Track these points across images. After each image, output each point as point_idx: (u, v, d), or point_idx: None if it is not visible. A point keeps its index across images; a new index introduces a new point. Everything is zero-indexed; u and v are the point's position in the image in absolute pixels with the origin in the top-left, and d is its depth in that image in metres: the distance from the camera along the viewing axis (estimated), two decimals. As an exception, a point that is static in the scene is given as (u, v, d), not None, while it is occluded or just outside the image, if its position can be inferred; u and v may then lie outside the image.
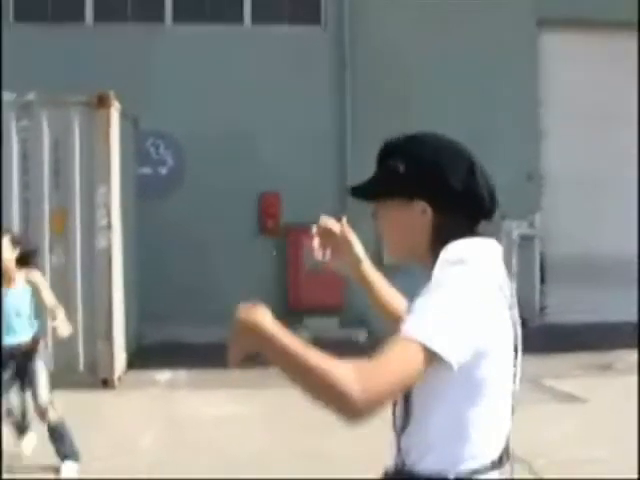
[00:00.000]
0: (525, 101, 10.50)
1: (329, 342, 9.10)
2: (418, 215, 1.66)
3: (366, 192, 1.79)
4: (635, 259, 10.52)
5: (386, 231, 1.74)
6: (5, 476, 4.78)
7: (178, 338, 9.20)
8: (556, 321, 10.24)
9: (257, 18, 10.39)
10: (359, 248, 1.98)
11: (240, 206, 10.06)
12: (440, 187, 1.65)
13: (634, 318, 9.86)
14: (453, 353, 1.40)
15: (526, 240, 10.37)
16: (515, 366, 1.59)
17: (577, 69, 10.74)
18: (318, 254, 1.95)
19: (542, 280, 10.68)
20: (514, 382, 1.60)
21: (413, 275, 1.85)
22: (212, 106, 9.95)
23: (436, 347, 1.39)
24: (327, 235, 1.97)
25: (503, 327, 1.55)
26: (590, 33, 10.77)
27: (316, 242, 1.95)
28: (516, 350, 1.59)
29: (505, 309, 1.56)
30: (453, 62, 10.25)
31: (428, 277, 1.62)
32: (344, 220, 2.02)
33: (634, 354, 8.16)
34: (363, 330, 9.48)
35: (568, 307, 10.46)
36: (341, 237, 1.97)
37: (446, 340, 1.41)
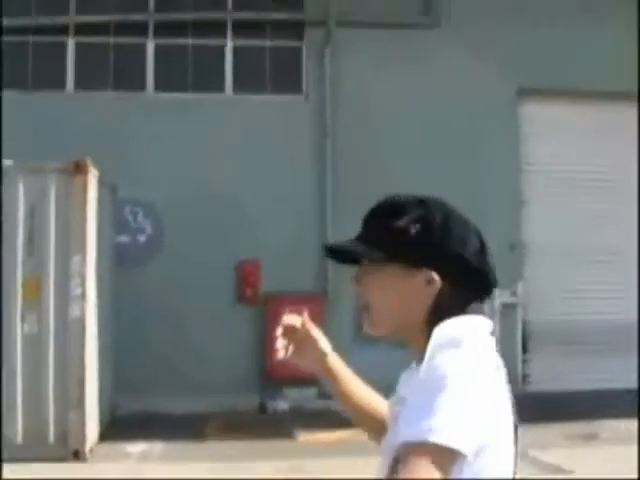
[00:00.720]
0: (507, 170, 10.61)
1: (308, 413, 9.03)
2: (421, 285, 1.52)
3: (356, 253, 1.62)
4: (635, 326, 10.58)
5: (376, 300, 1.57)
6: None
7: (154, 409, 9.04)
8: (539, 390, 10.18)
9: (239, 87, 10.51)
10: (324, 343, 1.87)
11: (219, 274, 10.00)
12: (454, 258, 1.53)
13: (621, 385, 9.86)
14: (470, 445, 1.32)
15: (508, 308, 10.36)
16: (516, 445, 1.48)
17: (560, 138, 10.91)
18: (280, 353, 1.84)
19: (524, 349, 10.65)
20: (515, 462, 1.49)
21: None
22: (192, 174, 9.98)
23: (458, 445, 1.29)
24: (291, 333, 1.84)
25: (505, 410, 1.45)
26: (571, 102, 10.98)
27: (279, 343, 1.85)
28: (516, 428, 1.49)
29: (504, 387, 1.47)
30: (434, 129, 10.37)
31: (414, 356, 1.54)
32: (306, 315, 1.89)
33: (621, 423, 8.09)
34: (343, 401, 9.34)
35: (551, 375, 10.43)
36: (304, 333, 1.85)
37: (463, 435, 1.31)
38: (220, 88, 10.50)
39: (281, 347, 1.85)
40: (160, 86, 10.40)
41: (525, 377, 10.50)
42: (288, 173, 10.21)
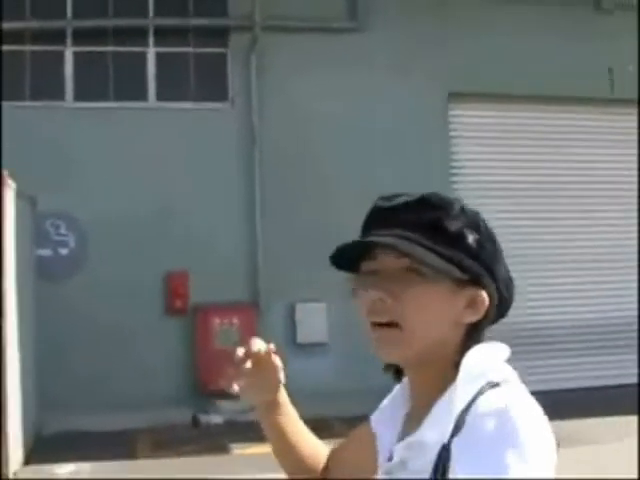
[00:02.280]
0: (438, 174, 10.71)
1: (243, 425, 8.94)
2: (462, 305, 1.31)
3: (430, 262, 1.30)
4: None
5: (413, 319, 1.30)
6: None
7: (82, 427, 8.82)
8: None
9: (162, 95, 10.37)
10: (282, 375, 1.60)
11: (147, 286, 9.84)
12: (501, 279, 1.36)
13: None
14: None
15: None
16: None
17: (491, 142, 11.10)
18: (232, 385, 1.56)
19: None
20: None
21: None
22: (116, 184, 9.80)
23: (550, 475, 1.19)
24: (251, 359, 1.55)
25: None
26: (502, 106, 11.19)
27: (233, 371, 1.57)
28: None
29: None
30: (364, 134, 10.41)
31: (421, 386, 1.36)
32: (272, 346, 1.61)
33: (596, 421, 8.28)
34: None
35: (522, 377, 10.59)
36: (266, 360, 1.58)
37: (551, 466, 1.19)
38: (143, 96, 10.34)
39: (232, 376, 1.57)
40: (80, 95, 10.18)
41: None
42: (215, 182, 10.12)
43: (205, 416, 9.51)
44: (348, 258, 1.38)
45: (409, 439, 1.32)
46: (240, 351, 1.57)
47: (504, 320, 1.43)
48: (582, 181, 11.22)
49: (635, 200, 11.50)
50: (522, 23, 10.98)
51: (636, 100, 11.24)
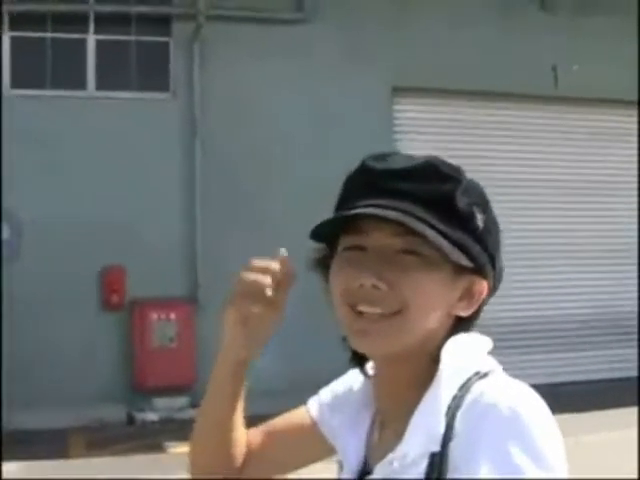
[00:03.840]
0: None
1: (179, 423, 8.90)
2: (458, 294, 1.16)
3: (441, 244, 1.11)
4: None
5: (418, 306, 1.12)
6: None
7: (11, 425, 8.67)
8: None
9: (102, 83, 10.24)
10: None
11: (82, 281, 9.71)
12: (499, 268, 1.21)
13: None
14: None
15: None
16: None
17: (435, 137, 11.23)
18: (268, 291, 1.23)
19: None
20: None
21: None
22: (53, 175, 9.65)
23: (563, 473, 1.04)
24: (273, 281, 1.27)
25: None
26: (447, 101, 11.32)
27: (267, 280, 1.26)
28: None
29: None
30: (307, 127, 10.43)
31: (392, 380, 1.20)
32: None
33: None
34: (215, 409, 9.27)
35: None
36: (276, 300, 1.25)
37: (563, 460, 1.05)
38: (82, 85, 10.20)
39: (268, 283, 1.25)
40: (16, 82, 10.00)
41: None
42: (155, 174, 10.03)
43: (140, 414, 9.44)
44: (326, 229, 1.20)
45: (392, 455, 1.13)
46: (275, 265, 1.29)
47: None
48: (526, 178, 11.40)
49: (575, 198, 11.77)
50: (468, 18, 11.10)
51: (580, 98, 11.51)
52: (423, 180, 1.14)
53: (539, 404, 1.06)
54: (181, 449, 7.87)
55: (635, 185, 12.14)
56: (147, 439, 8.50)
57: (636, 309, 11.92)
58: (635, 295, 11.99)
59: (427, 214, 1.11)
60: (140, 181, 9.95)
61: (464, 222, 1.14)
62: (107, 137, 9.90)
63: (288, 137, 10.40)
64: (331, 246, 1.24)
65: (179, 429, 8.12)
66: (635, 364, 11.73)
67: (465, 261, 1.13)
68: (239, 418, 1.37)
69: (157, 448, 8.05)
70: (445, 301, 1.15)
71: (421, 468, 1.09)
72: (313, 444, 1.40)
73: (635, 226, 12.01)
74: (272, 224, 10.13)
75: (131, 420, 9.42)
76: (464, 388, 1.10)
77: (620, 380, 11.28)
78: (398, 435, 1.14)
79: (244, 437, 1.41)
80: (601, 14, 11.50)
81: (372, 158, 1.21)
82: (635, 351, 11.84)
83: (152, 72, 10.46)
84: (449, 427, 1.07)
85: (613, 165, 12.00)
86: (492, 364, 1.16)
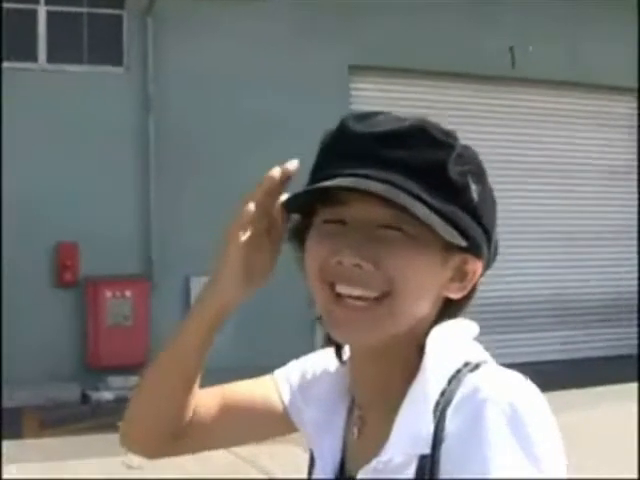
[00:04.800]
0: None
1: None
2: (448, 274, 1.04)
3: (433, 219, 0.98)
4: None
5: (408, 288, 1.00)
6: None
7: (-38, 405, 8.58)
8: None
9: (53, 56, 10.07)
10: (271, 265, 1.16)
11: (35, 258, 9.61)
12: (494, 246, 1.09)
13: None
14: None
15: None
16: None
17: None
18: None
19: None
20: None
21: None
22: (3, 151, 9.49)
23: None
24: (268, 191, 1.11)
25: None
26: (404, 81, 11.37)
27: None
28: None
29: None
30: (262, 104, 10.38)
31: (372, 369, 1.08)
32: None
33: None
34: (171, 388, 9.27)
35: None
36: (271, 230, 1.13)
37: (563, 460, 0.95)
38: (32, 57, 10.03)
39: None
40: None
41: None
42: (107, 150, 9.92)
43: (95, 393, 9.40)
44: (301, 200, 1.07)
45: (377, 460, 1.01)
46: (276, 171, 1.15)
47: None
48: (482, 159, 11.52)
49: (535, 180, 11.93)
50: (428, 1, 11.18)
51: (537, 80, 11.64)
52: (411, 145, 1.01)
53: (538, 400, 0.94)
54: None
55: (591, 167, 12.35)
56: (102, 418, 8.46)
57: (635, 290, 12.43)
58: (634, 276, 12.51)
59: (415, 185, 0.99)
60: (93, 157, 9.84)
61: (457, 194, 1.01)
62: (58, 111, 9.76)
63: (243, 113, 10.35)
64: (307, 215, 1.09)
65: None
66: (635, 342, 12.26)
67: (459, 239, 1.00)
68: (197, 376, 1.21)
69: (112, 428, 7.95)
70: (436, 282, 1.02)
71: (410, 471, 0.98)
72: (276, 424, 1.27)
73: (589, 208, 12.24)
74: (228, 200, 10.09)
75: (86, 399, 9.38)
76: (454, 381, 0.98)
77: (621, 357, 11.77)
78: (381, 434, 1.02)
79: (193, 400, 1.23)
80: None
81: (353, 118, 1.07)
82: (635, 330, 12.40)
83: (105, 46, 10.32)
84: (439, 427, 0.95)
85: (568, 147, 12.17)
86: (482, 353, 1.05)
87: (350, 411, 1.14)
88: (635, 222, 12.72)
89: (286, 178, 1.12)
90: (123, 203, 10.00)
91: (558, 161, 12.09)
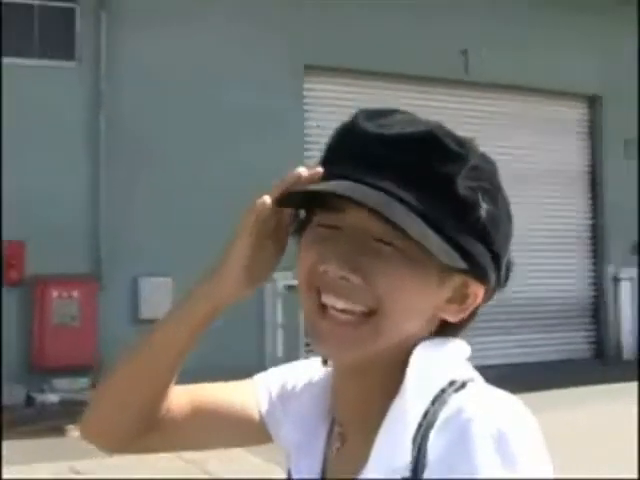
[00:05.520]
0: (292, 147, 10.81)
1: (80, 405, 8.72)
2: (445, 295, 0.99)
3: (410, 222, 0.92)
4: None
5: (395, 305, 0.95)
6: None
7: None
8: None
9: (3, 50, 9.88)
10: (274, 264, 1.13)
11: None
12: (504, 263, 1.03)
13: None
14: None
15: (290, 291, 10.59)
16: None
17: (344, 118, 11.30)
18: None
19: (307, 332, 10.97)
20: None
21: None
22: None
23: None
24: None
25: None
26: (357, 81, 11.43)
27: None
28: None
29: None
30: (219, 101, 10.34)
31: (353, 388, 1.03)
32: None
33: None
34: (118, 390, 9.17)
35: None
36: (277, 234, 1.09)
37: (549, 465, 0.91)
38: (-20, 49, 9.87)
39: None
40: None
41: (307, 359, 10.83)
42: (57, 146, 9.79)
43: (40, 395, 9.27)
44: (297, 198, 1.02)
45: None
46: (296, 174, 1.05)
47: None
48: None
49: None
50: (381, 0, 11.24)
51: (489, 83, 11.77)
52: (419, 153, 0.95)
53: (525, 418, 0.89)
54: None
55: (542, 172, 12.52)
56: (47, 421, 8.35)
57: (588, 294, 12.63)
58: (587, 281, 12.76)
59: (417, 198, 0.93)
60: (42, 153, 9.70)
61: (464, 211, 0.95)
62: (8, 105, 9.60)
63: (196, 110, 10.30)
64: (308, 212, 1.05)
65: (81, 411, 8.01)
66: (587, 346, 12.50)
67: (459, 262, 0.95)
68: (178, 370, 1.17)
69: (58, 431, 7.91)
70: (429, 302, 0.98)
71: None
72: (250, 432, 1.22)
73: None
74: (179, 199, 10.05)
75: (30, 401, 9.24)
76: (438, 401, 0.93)
77: (573, 361, 11.97)
78: (361, 454, 0.97)
79: (169, 395, 1.19)
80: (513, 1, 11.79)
81: (365, 115, 1.03)
82: (587, 334, 12.64)
83: (57, 39, 10.17)
84: (421, 450, 0.90)
85: (520, 152, 12.32)
86: (469, 372, 0.99)
87: (331, 428, 1.09)
88: (587, 227, 12.96)
89: (308, 182, 1.02)
90: (72, 200, 9.86)
91: (509, 166, 12.22)
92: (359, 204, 0.92)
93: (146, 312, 9.89)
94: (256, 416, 1.20)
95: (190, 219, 9.98)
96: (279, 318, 10.21)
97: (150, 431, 1.18)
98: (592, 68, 12.63)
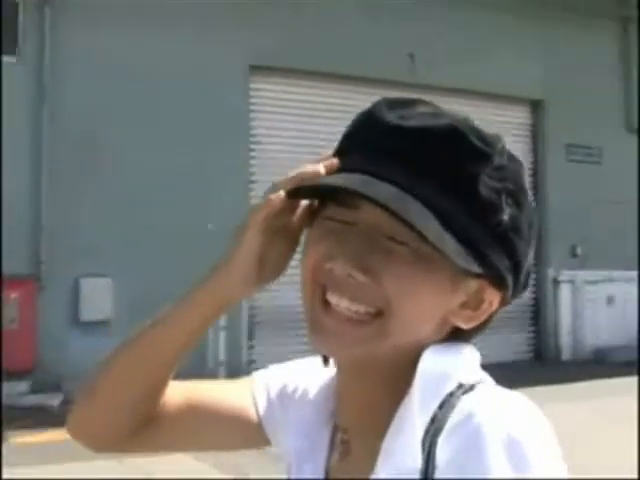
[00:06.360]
0: (237, 148, 10.79)
1: (20, 409, 8.59)
2: (458, 300, 0.94)
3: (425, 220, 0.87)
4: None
5: (406, 307, 0.90)
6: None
7: None
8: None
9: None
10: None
11: None
12: (524, 269, 0.97)
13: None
14: None
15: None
16: None
17: (290, 117, 11.33)
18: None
19: (250, 334, 10.92)
20: None
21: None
22: None
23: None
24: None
25: None
26: (302, 82, 11.46)
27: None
28: None
29: None
30: (165, 100, 10.27)
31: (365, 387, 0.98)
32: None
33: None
34: (58, 395, 9.04)
35: (276, 361, 10.80)
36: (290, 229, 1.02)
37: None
38: None
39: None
40: None
41: (250, 363, 10.78)
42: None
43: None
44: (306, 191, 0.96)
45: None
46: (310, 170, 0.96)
47: None
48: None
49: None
50: (328, 1, 11.27)
51: (435, 87, 11.88)
52: (440, 149, 0.90)
53: (541, 423, 0.86)
54: (22, 439, 7.62)
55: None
56: (-17, 426, 8.18)
57: (528, 296, 12.73)
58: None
59: (435, 196, 0.88)
60: (-20, 151, 9.52)
61: (485, 213, 0.90)
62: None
63: (141, 109, 10.21)
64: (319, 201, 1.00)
65: (20, 417, 7.87)
66: (527, 348, 12.68)
67: (476, 267, 0.90)
68: (176, 366, 1.11)
69: (-6, 437, 7.76)
70: (441, 306, 0.93)
71: None
72: (247, 434, 1.18)
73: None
74: (121, 199, 9.95)
75: (-34, 405, 9.05)
76: (446, 405, 0.88)
77: (513, 363, 12.01)
78: (366, 462, 0.93)
79: (165, 391, 1.14)
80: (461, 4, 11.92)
81: (386, 104, 0.96)
82: (527, 336, 12.83)
83: (-2, 34, 10.00)
84: (429, 457, 0.85)
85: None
86: (478, 373, 0.95)
87: (334, 433, 1.04)
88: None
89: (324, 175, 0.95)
90: (12, 199, 9.68)
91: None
92: (371, 200, 0.87)
93: (86, 313, 9.78)
94: (254, 416, 1.16)
95: (131, 219, 9.88)
96: (221, 320, 10.15)
97: (144, 428, 1.13)
98: (535, 73, 12.85)
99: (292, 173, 0.96)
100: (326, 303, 0.93)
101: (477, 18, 12.17)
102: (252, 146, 11.16)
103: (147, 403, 1.12)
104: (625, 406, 7.90)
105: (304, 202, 1.00)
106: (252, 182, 11.11)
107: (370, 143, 0.93)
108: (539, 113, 13.21)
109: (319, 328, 0.93)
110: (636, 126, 13.88)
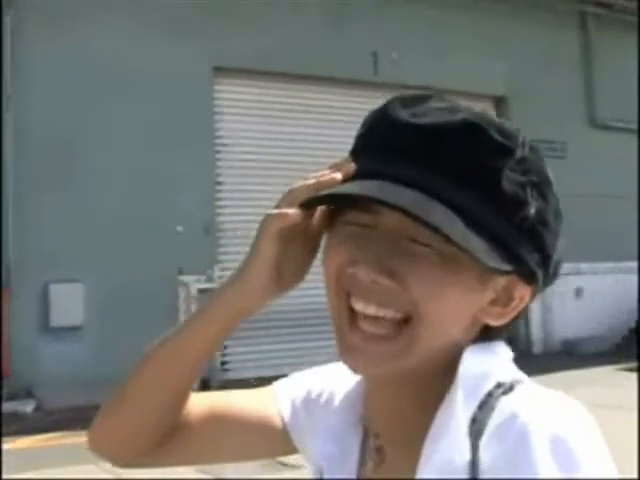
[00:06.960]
0: (202, 150, 10.77)
1: (7, 418, 8.47)
2: (487, 298, 0.91)
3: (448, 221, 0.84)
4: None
5: (435, 310, 0.87)
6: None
7: None
8: (240, 377, 10.48)
9: None
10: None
11: None
12: (553, 263, 0.95)
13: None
14: None
15: (204, 294, 10.54)
16: None
17: (256, 119, 11.33)
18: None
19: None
20: None
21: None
22: None
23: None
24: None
25: None
26: (268, 83, 11.46)
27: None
28: None
29: None
30: (127, 102, 10.22)
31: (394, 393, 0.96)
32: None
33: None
34: (30, 402, 8.98)
35: (249, 362, 10.79)
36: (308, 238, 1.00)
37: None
38: None
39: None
40: None
41: (224, 364, 10.76)
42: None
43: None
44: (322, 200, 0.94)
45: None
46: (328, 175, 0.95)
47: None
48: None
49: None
50: (292, 1, 11.30)
51: (399, 85, 11.95)
52: (460, 145, 0.86)
53: (587, 422, 0.82)
54: (13, 445, 7.52)
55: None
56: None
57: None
58: None
59: (458, 195, 0.85)
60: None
61: (510, 209, 0.87)
62: None
63: (108, 112, 10.15)
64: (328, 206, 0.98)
65: (8, 422, 7.78)
66: None
67: (504, 265, 0.86)
68: (197, 377, 1.10)
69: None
70: (470, 306, 0.90)
71: None
72: (272, 442, 1.16)
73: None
74: (89, 205, 9.90)
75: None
76: (486, 406, 0.85)
77: None
78: (402, 469, 0.92)
79: (186, 403, 1.13)
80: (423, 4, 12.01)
81: (399, 101, 0.94)
82: None
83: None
84: (473, 459, 0.83)
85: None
86: (516, 372, 0.92)
87: (364, 439, 1.01)
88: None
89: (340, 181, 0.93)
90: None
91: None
92: (392, 207, 0.84)
93: (56, 319, 9.71)
94: (279, 424, 1.14)
95: (100, 224, 9.83)
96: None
97: (168, 439, 1.12)
98: (497, 70, 12.98)
99: (309, 181, 0.96)
100: (352, 313, 0.90)
101: (440, 16, 12.27)
102: (217, 148, 11.15)
103: (172, 412, 1.10)
104: (597, 396, 8.00)
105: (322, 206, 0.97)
106: (218, 183, 11.11)
107: (385, 143, 0.90)
108: (502, 109, 13.32)
109: (346, 346, 0.91)
110: (599, 120, 14.08)
